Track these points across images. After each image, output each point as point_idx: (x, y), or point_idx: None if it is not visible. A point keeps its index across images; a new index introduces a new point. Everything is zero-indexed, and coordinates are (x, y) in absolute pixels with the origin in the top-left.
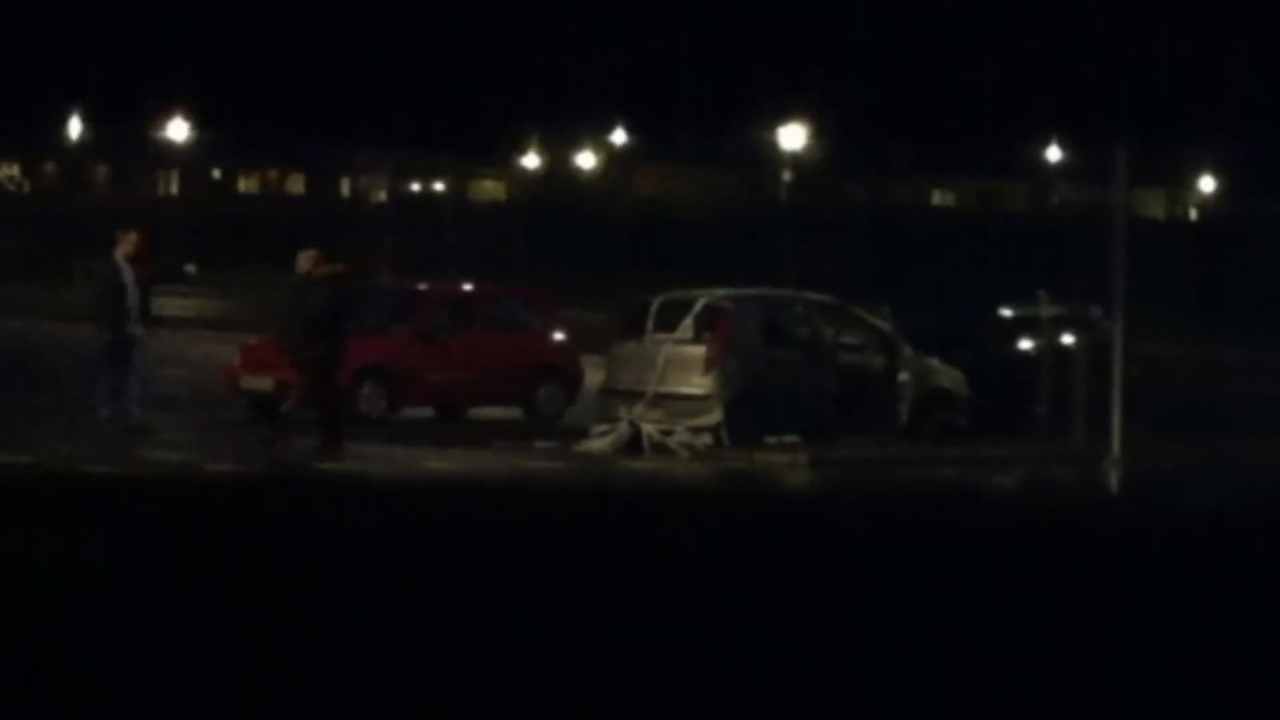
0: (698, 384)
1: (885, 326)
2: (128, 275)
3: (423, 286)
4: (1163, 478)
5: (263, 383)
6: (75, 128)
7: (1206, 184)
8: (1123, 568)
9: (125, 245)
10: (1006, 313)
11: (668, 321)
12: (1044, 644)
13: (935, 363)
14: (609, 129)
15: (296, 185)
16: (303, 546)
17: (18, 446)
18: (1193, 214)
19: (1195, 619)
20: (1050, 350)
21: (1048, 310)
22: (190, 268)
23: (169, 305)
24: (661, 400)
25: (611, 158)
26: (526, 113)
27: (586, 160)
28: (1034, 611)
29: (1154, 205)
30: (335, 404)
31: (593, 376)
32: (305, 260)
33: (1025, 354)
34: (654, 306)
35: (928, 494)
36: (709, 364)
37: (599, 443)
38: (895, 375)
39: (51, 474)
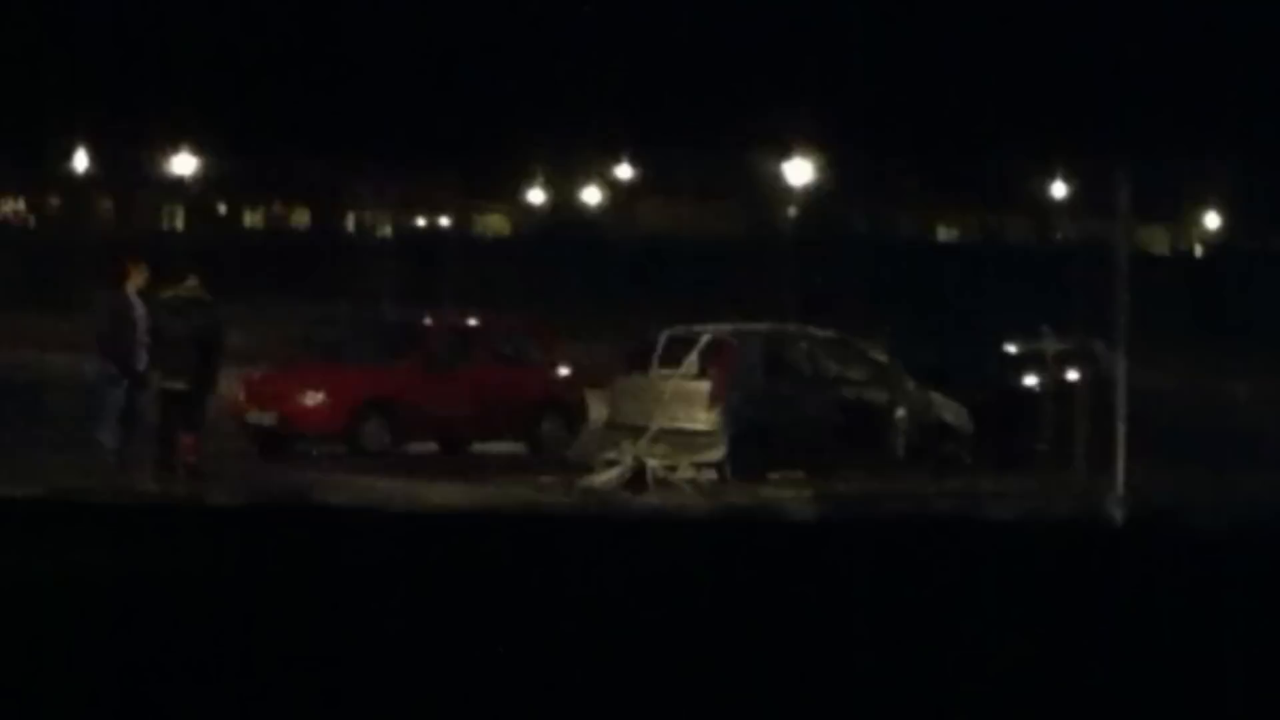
0: (702, 419)
1: (888, 360)
2: (138, 308)
3: (426, 320)
4: (1164, 511)
5: (267, 416)
6: (80, 160)
7: (1211, 219)
8: (1124, 599)
9: (137, 278)
10: (1011, 348)
11: (672, 356)
12: (1045, 674)
13: (938, 397)
14: (614, 162)
15: (301, 218)
16: (306, 575)
17: (22, 477)
18: (1197, 249)
19: (1197, 648)
20: (1054, 385)
21: (1051, 345)
22: None
23: None
24: (665, 435)
25: (616, 191)
26: (531, 146)
27: (592, 195)
28: (1035, 641)
29: (1157, 240)
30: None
31: (597, 411)
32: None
33: (1029, 388)
34: (658, 341)
35: (930, 528)
36: (713, 399)
37: (602, 477)
38: (898, 409)
39: (56, 504)
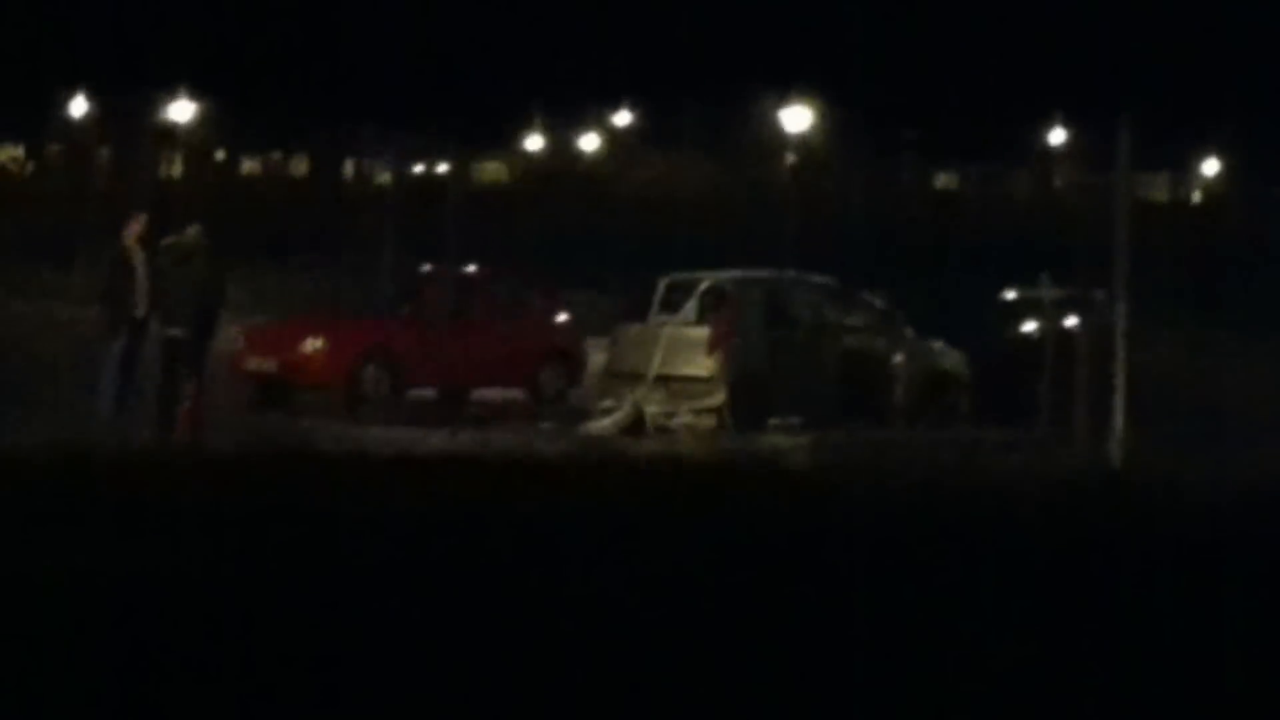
0: (701, 366)
1: (887, 309)
2: (138, 258)
3: (426, 268)
4: (1165, 460)
5: (268, 365)
6: (79, 108)
7: (1210, 166)
8: (1125, 546)
9: (135, 227)
10: (1009, 295)
11: (671, 303)
12: (1048, 623)
13: (938, 345)
14: (613, 109)
15: (300, 167)
16: (306, 522)
17: (17, 432)
18: (1196, 196)
19: (1196, 597)
20: (1053, 333)
21: (1050, 292)
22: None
23: None
24: (664, 382)
25: (615, 138)
26: (530, 92)
27: (590, 142)
28: (1038, 588)
29: (1157, 188)
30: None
31: (596, 359)
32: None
33: (1028, 336)
34: (658, 288)
35: (930, 476)
36: (712, 346)
37: (601, 424)
38: (897, 358)
39: (55, 457)
